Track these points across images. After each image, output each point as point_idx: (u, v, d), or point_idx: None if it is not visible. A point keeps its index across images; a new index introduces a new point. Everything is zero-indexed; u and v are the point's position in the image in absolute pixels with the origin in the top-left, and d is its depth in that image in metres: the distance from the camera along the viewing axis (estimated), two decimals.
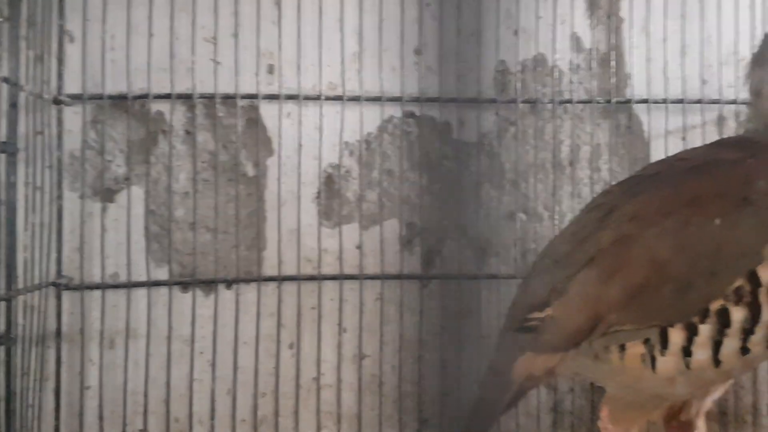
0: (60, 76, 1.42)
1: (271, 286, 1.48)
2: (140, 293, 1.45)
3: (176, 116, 1.48)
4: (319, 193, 1.50)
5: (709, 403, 1.13)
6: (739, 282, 0.95)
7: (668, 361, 0.98)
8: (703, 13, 1.57)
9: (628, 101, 1.56)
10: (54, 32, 1.41)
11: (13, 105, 1.29)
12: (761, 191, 0.98)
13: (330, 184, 1.51)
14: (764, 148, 1.04)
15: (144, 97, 1.45)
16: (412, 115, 1.52)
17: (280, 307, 1.48)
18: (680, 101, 1.55)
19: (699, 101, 1.56)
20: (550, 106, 1.54)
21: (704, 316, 0.97)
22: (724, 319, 0.96)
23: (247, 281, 1.48)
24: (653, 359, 0.99)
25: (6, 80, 1.25)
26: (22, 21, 1.32)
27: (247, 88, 1.47)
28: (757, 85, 1.09)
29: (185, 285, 1.47)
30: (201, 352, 1.48)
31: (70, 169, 1.45)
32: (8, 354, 1.27)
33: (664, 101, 1.54)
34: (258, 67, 1.47)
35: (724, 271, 0.97)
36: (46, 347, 1.40)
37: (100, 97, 1.44)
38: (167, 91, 1.45)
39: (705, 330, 0.97)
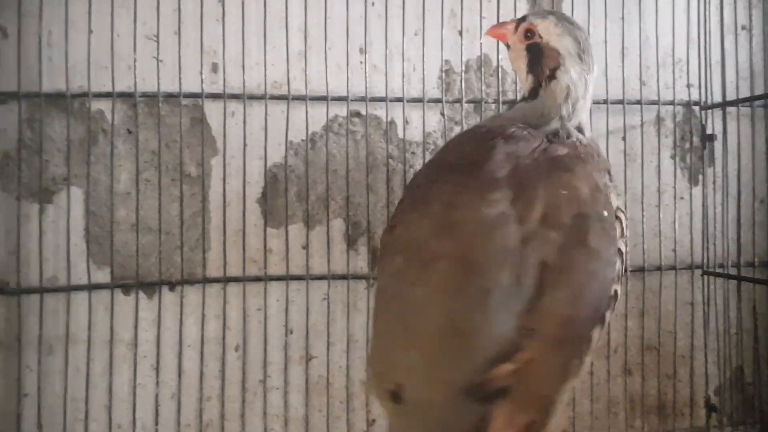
0: None
1: (216, 288, 1.46)
2: (80, 297, 1.41)
3: (117, 115, 1.44)
4: (264, 193, 1.49)
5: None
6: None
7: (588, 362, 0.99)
8: (642, 16, 1.61)
9: None
10: None
11: None
12: None
13: (275, 184, 1.49)
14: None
15: (84, 95, 1.41)
16: (357, 114, 1.52)
17: (225, 309, 1.46)
18: (620, 102, 1.58)
19: (638, 102, 1.60)
20: (494, 105, 1.55)
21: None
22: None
23: (191, 283, 1.45)
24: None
25: None
26: None
27: (190, 86, 1.45)
28: None
29: (127, 288, 1.44)
30: (144, 356, 1.44)
31: (5, 169, 1.40)
32: None
33: (605, 102, 1.57)
34: (201, 66, 1.44)
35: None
36: None
37: (36, 95, 1.39)
38: (108, 89, 1.42)
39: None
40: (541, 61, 1.08)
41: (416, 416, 0.89)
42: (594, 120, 1.57)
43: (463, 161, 0.98)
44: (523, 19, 1.12)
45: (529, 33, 1.10)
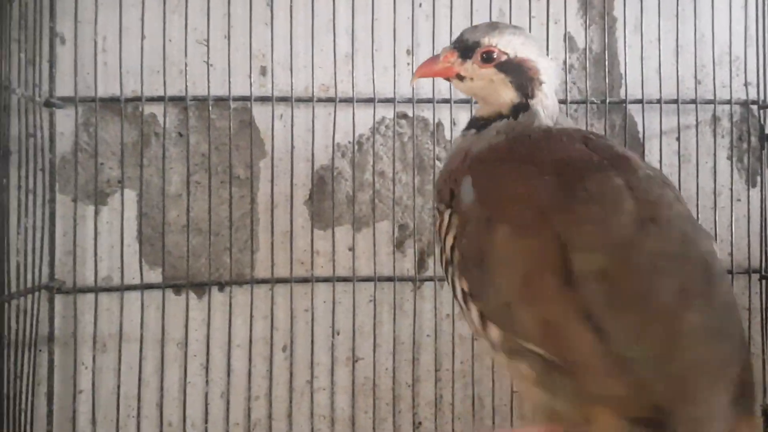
0: (51, 78, 1.42)
1: (264, 289, 1.48)
2: (133, 296, 1.44)
3: (169, 118, 1.47)
4: (311, 194, 1.50)
5: None
6: None
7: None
8: (697, 13, 1.56)
9: (623, 101, 1.55)
10: (45, 35, 1.41)
11: (5, 108, 1.29)
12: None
13: (322, 186, 1.50)
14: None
15: (137, 99, 1.45)
16: (404, 115, 1.52)
17: (272, 310, 1.47)
18: (675, 101, 1.54)
19: (693, 101, 1.55)
20: None
21: None
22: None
23: (240, 284, 1.48)
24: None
25: None
26: (14, 24, 1.32)
27: (239, 89, 1.47)
28: None
29: (178, 288, 1.47)
30: (194, 355, 1.47)
31: (62, 171, 1.45)
32: (0, 358, 1.27)
33: (659, 101, 1.54)
34: (250, 69, 1.46)
35: None
36: (39, 351, 1.39)
37: (92, 99, 1.44)
38: (160, 93, 1.45)
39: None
40: (525, 75, 1.05)
41: None
42: (647, 120, 1.54)
43: (601, 160, 0.95)
44: (458, 45, 1.07)
45: (488, 54, 1.05)
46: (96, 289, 1.43)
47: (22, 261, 1.32)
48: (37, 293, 1.37)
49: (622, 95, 1.56)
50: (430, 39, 1.50)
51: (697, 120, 1.56)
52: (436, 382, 1.50)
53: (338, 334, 1.49)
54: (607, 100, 1.53)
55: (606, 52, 1.55)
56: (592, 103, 1.54)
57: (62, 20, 1.43)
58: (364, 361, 1.50)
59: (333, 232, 1.49)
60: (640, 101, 1.53)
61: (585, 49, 1.56)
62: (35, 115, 1.37)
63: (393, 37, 1.49)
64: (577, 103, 1.54)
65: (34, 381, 1.36)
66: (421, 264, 1.52)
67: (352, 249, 1.49)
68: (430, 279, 1.51)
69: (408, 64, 1.51)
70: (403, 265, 1.52)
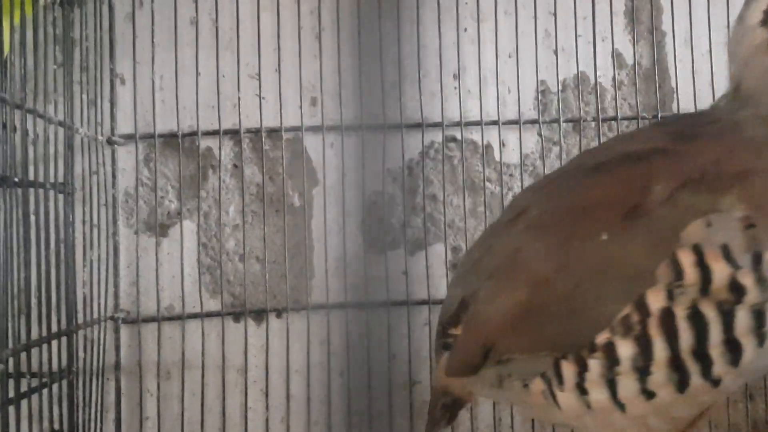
0: (113, 117, 1.49)
1: (320, 314, 1.50)
2: (194, 324, 1.49)
3: (224, 151, 1.52)
4: (363, 220, 1.52)
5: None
6: (627, 310, 0.79)
7: (569, 398, 0.84)
8: None
9: None
10: (106, 76, 1.48)
11: (69, 147, 1.35)
12: (657, 199, 0.80)
13: (374, 212, 1.52)
14: (712, 130, 0.86)
15: (193, 134, 1.50)
16: (453, 139, 1.53)
17: (329, 335, 1.49)
18: None
19: None
20: (593, 124, 1.52)
21: (592, 349, 0.81)
22: (612, 355, 0.80)
23: (297, 310, 1.50)
24: (553, 395, 0.85)
25: (62, 124, 1.32)
26: (76, 66, 1.40)
27: (291, 120, 1.51)
28: (732, 46, 0.94)
29: (237, 315, 1.51)
30: (254, 381, 1.50)
31: (124, 206, 1.51)
32: (70, 387, 1.32)
33: None
34: (301, 100, 1.50)
35: (610, 296, 0.81)
36: (106, 379, 1.45)
37: (151, 136, 1.50)
38: (215, 127, 1.50)
39: (595, 366, 0.81)
40: None
41: None
42: None
43: None
44: None
45: None
46: (159, 318, 1.48)
47: (88, 293, 1.38)
48: (103, 323, 1.42)
49: (674, 110, 1.54)
50: (476, 63, 1.52)
51: None
52: (494, 404, 1.49)
53: (394, 357, 1.50)
54: (659, 116, 1.52)
55: (656, 67, 1.54)
56: (644, 118, 1.52)
57: (121, 61, 1.50)
58: (422, 385, 1.50)
59: (386, 257, 1.50)
60: None
61: (634, 65, 1.55)
62: (98, 153, 1.43)
63: (439, 63, 1.51)
64: (628, 119, 1.53)
65: (102, 409, 1.41)
66: None
67: (405, 273, 1.51)
68: None
69: (455, 88, 1.53)
70: None
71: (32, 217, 1.19)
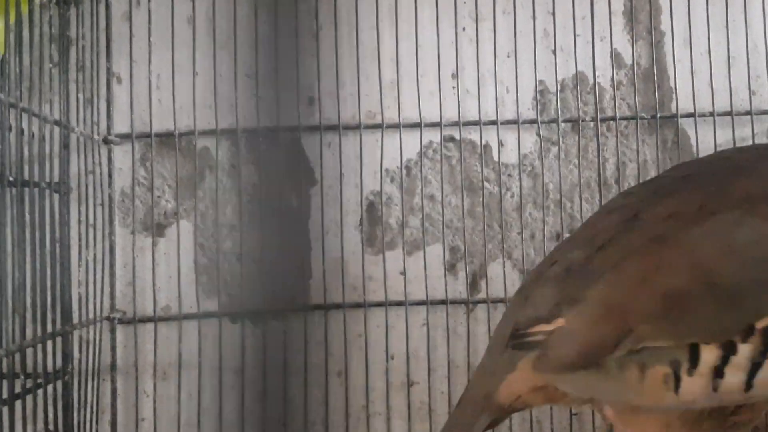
0: (109, 116, 1.48)
1: (318, 315, 1.49)
2: (191, 325, 1.48)
3: (221, 151, 1.51)
4: (361, 220, 1.51)
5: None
6: None
7: (694, 383, 0.85)
8: (749, 23, 1.53)
9: (674, 116, 1.52)
10: (102, 75, 1.47)
11: (65, 146, 1.35)
12: None
13: (372, 212, 1.52)
14: None
15: (190, 133, 1.50)
16: (451, 139, 1.52)
17: (326, 335, 1.48)
18: (728, 113, 1.51)
19: (748, 113, 1.52)
20: (592, 124, 1.52)
21: (747, 334, 0.83)
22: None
23: (294, 311, 1.49)
24: (677, 380, 0.86)
25: (58, 123, 1.31)
26: (72, 65, 1.39)
27: (288, 120, 1.50)
28: None
29: (234, 316, 1.50)
30: (252, 382, 1.49)
31: (121, 206, 1.50)
32: (66, 388, 1.31)
33: (711, 114, 1.51)
34: (298, 100, 1.49)
35: None
36: (102, 380, 1.44)
37: (147, 135, 1.49)
38: (212, 127, 1.49)
39: (745, 350, 0.83)
40: None
41: None
42: (701, 134, 1.51)
43: None
44: None
45: None
46: (155, 319, 1.47)
47: (84, 293, 1.37)
48: (99, 324, 1.41)
49: (673, 110, 1.53)
50: (474, 62, 1.51)
51: (753, 131, 1.52)
52: None
53: (392, 358, 1.50)
54: (658, 115, 1.51)
55: (655, 66, 1.53)
56: (642, 118, 1.52)
57: (118, 61, 1.50)
58: (420, 386, 1.50)
59: (384, 257, 1.50)
60: (692, 115, 1.51)
61: (632, 64, 1.54)
62: (94, 152, 1.42)
63: (437, 62, 1.50)
64: (626, 119, 1.52)
65: (98, 409, 1.40)
66: (473, 286, 1.52)
67: (403, 273, 1.50)
68: (483, 301, 1.50)
69: (453, 87, 1.52)
70: (455, 287, 1.51)
71: (27, 217, 1.18)
